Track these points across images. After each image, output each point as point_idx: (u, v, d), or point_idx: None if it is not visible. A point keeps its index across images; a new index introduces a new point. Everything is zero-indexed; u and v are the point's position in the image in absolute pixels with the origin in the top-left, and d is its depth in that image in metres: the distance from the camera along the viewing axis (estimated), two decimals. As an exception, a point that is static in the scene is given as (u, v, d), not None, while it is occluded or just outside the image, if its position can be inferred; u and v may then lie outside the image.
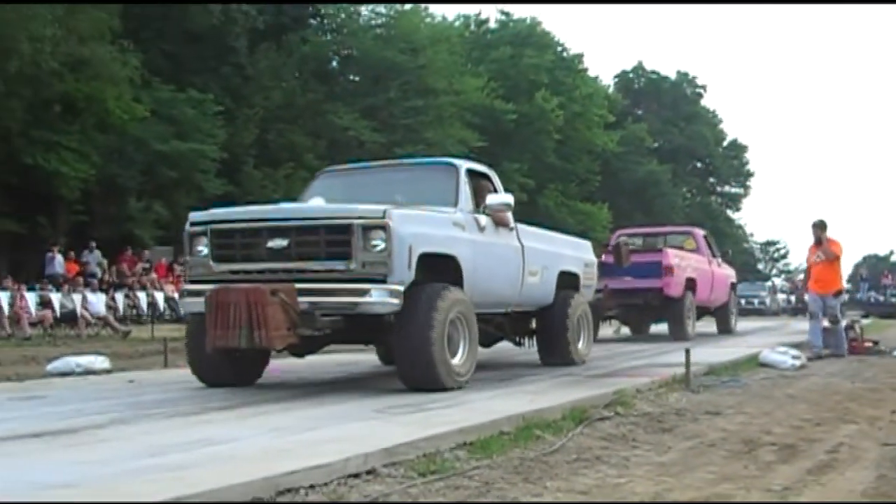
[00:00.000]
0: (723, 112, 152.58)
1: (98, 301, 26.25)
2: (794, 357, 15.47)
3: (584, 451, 7.32)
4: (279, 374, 12.98)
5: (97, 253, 31.39)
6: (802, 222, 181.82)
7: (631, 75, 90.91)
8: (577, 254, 15.82)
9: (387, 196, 11.68)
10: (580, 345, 14.97)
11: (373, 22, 49.88)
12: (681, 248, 25.07)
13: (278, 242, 10.60)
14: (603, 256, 20.72)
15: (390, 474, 6.24)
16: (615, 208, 65.74)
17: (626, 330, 26.64)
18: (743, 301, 67.67)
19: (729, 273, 27.72)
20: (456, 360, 11.02)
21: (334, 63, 50.08)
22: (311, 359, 13.32)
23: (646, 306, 22.97)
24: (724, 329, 26.58)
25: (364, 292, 10.22)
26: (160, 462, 6.40)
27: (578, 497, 5.88)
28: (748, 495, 5.96)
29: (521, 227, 13.74)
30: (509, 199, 12.88)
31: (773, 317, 49.54)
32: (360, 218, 10.34)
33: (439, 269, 11.12)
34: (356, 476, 6.12)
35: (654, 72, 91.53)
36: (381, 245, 10.27)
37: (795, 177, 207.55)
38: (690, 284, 23.32)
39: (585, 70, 69.39)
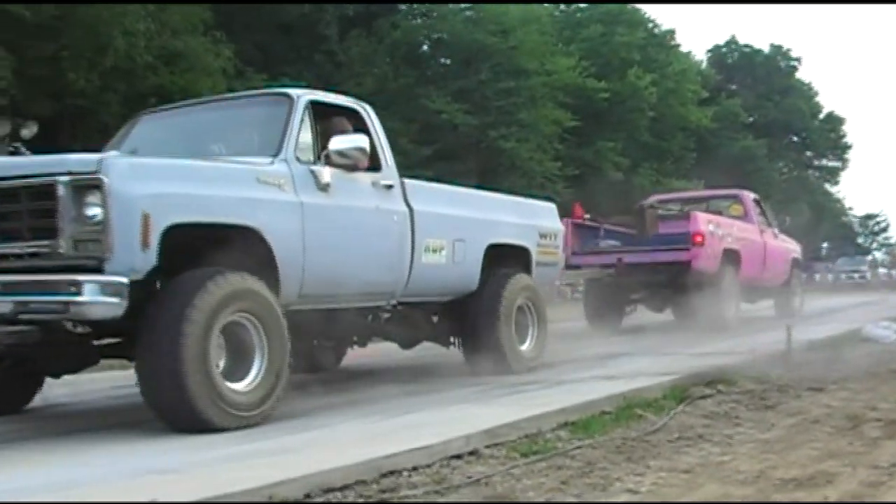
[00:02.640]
0: (818, 84, 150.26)
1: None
2: (898, 331, 15.01)
3: (686, 430, 7.26)
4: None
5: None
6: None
7: (724, 50, 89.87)
8: (525, 220, 12.11)
9: (204, 146, 9.18)
10: (525, 346, 11.59)
11: (462, 4, 49.80)
12: (719, 213, 20.33)
13: None
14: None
15: (492, 455, 6.24)
16: (711, 185, 65.14)
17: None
18: (843, 275, 66.76)
19: (790, 246, 23.26)
20: (241, 386, 7.68)
21: (425, 47, 50.09)
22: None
23: (671, 284, 18.36)
24: (785, 312, 21.88)
25: (75, 287, 6.83)
26: (257, 448, 6.45)
27: (682, 476, 5.84)
28: (854, 473, 5.87)
29: (414, 183, 10.34)
30: (362, 140, 9.10)
31: (874, 291, 48.75)
32: (68, 174, 6.97)
33: (233, 249, 7.86)
34: (458, 457, 6.14)
35: (747, 45, 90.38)
36: (98, 213, 6.92)
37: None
38: (732, 257, 18.72)
39: (677, 46, 68.69)
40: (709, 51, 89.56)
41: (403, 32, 46.40)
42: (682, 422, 7.61)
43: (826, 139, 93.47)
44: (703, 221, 18.04)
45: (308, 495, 5.21)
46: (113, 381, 10.96)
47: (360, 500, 5.25)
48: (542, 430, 6.97)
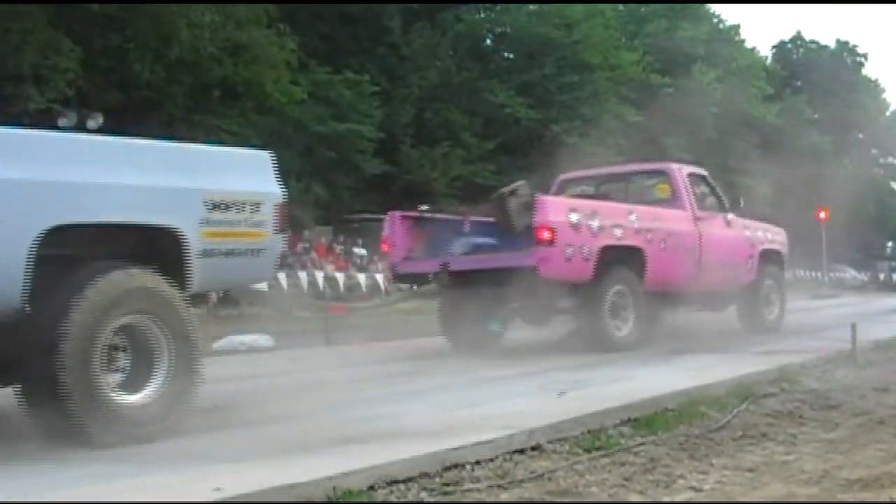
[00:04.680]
0: (885, 81, 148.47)
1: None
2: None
3: (749, 428, 7.22)
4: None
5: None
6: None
7: (789, 45, 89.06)
8: (173, 181, 7.62)
9: None
10: (136, 397, 7.06)
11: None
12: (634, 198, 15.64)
13: None
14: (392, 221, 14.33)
15: (555, 450, 6.25)
16: (776, 182, 64.57)
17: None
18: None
19: (758, 236, 17.26)
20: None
21: (489, 40, 50.07)
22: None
23: (513, 300, 13.91)
24: (752, 323, 16.81)
25: None
26: (325, 437, 6.49)
27: (746, 475, 5.81)
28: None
29: None
30: None
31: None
32: None
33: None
34: (521, 452, 6.14)
35: (812, 41, 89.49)
36: None
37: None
38: (625, 257, 13.91)
39: (743, 42, 68.29)
40: (774, 46, 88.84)
41: (467, 26, 46.41)
42: (746, 420, 7.56)
43: (893, 137, 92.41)
44: (556, 209, 13.33)
45: (372, 487, 5.24)
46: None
47: (424, 493, 5.27)
48: (605, 426, 6.96)
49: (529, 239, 12.98)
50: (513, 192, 14.09)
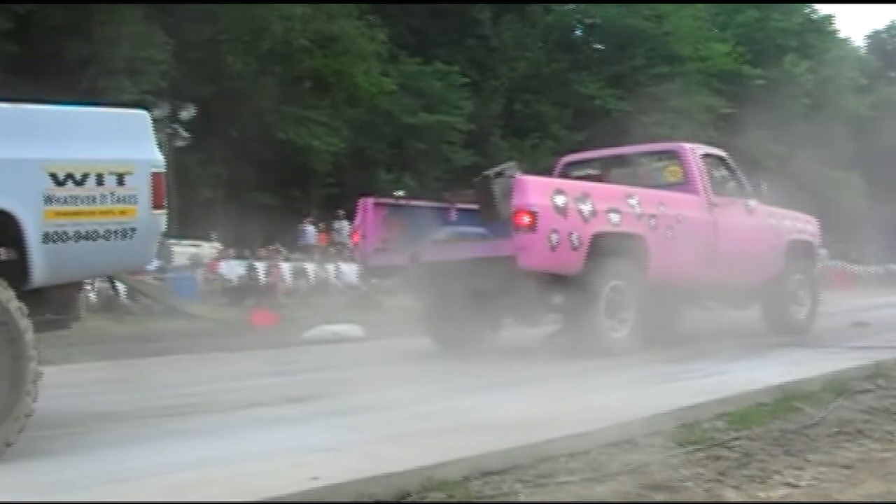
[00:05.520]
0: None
1: (350, 271, 26.83)
2: None
3: (845, 425, 7.12)
4: None
5: (347, 223, 32.19)
6: None
7: (884, 35, 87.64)
8: None
9: None
10: None
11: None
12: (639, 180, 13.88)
13: None
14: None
15: (650, 444, 6.20)
16: (869, 175, 63.69)
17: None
18: None
19: (784, 225, 15.32)
20: None
21: (578, 32, 49.91)
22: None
23: (497, 295, 12.09)
24: (778, 323, 14.92)
25: None
26: (419, 428, 6.54)
27: (842, 472, 5.75)
28: None
29: None
30: None
31: None
32: None
33: None
34: (615, 445, 6.12)
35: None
36: None
37: None
38: (622, 246, 12.21)
39: (836, 32, 67.33)
40: (868, 37, 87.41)
41: (556, 17, 46.32)
42: (841, 416, 7.46)
43: None
44: (539, 191, 11.69)
45: (467, 478, 5.26)
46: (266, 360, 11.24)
47: (518, 485, 5.28)
48: (700, 420, 6.91)
49: (504, 226, 11.60)
50: (499, 174, 12.35)
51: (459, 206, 13.56)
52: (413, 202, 13.94)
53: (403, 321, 14.47)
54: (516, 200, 11.36)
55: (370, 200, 13.23)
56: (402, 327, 14.25)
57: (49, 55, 25.40)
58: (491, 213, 12.11)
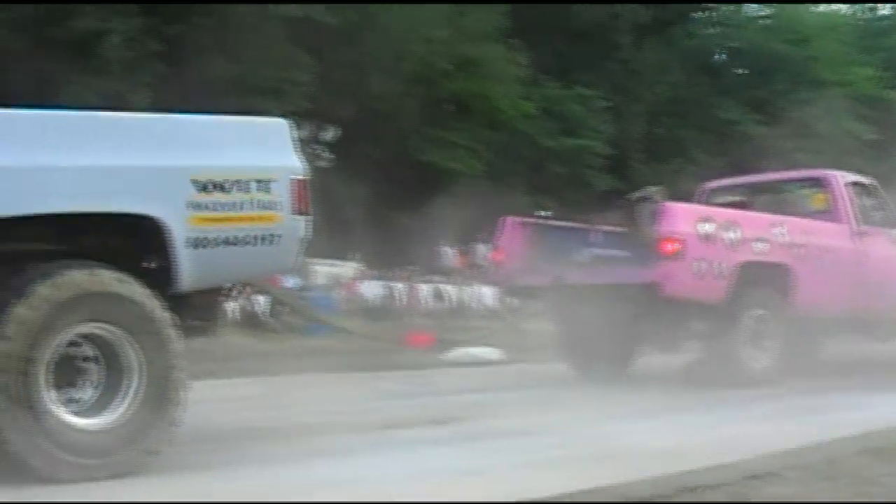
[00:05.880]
0: None
1: (487, 293, 26.88)
2: None
3: None
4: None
5: (484, 246, 32.29)
6: None
7: None
8: (135, 160, 6.61)
9: None
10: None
11: (758, 13, 48.99)
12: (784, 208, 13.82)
13: None
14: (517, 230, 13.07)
15: (794, 477, 6.14)
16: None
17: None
18: None
19: None
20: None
21: (720, 56, 49.46)
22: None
23: (632, 320, 12.18)
24: None
25: None
26: (562, 454, 6.56)
27: None
28: None
29: None
30: None
31: None
32: None
33: None
34: (758, 477, 6.07)
35: None
36: None
37: None
38: (768, 275, 12.21)
39: None
40: None
41: (698, 41, 45.99)
42: None
43: None
44: (685, 218, 11.75)
45: (606, 506, 5.28)
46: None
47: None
48: (845, 454, 6.81)
49: (647, 252, 11.57)
50: (644, 199, 12.39)
51: (601, 228, 13.29)
52: (556, 222, 13.85)
53: (542, 345, 14.48)
54: (662, 227, 11.38)
55: (514, 219, 13.27)
56: (541, 351, 14.29)
57: (196, 76, 25.96)
58: (636, 237, 11.97)
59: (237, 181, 6.84)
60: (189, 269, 6.61)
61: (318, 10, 27.63)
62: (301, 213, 7.20)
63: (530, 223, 13.43)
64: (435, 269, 29.55)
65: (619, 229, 12.70)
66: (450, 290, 26.97)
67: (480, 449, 6.89)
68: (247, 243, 6.94)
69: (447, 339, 19.30)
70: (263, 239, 7.00)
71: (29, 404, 5.77)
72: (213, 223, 6.72)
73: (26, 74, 21.52)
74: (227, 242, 6.81)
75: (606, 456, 6.47)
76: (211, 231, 6.71)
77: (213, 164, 6.80)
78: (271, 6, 27.35)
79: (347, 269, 27.54)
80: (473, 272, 29.37)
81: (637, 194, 12.60)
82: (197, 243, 6.62)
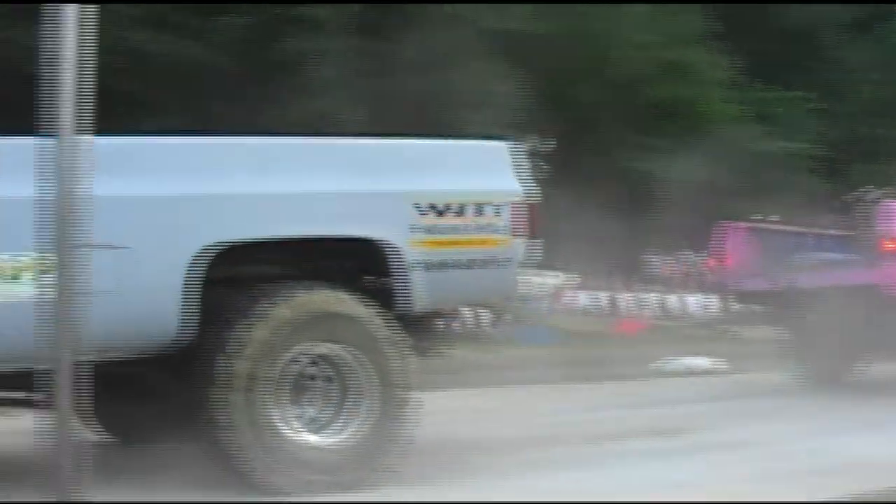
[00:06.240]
0: None
1: (696, 301, 26.72)
2: None
3: None
4: None
5: (693, 253, 32.02)
6: None
7: None
8: (366, 184, 6.88)
9: None
10: (319, 437, 6.58)
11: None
12: None
13: None
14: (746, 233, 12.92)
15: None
16: None
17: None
18: None
19: None
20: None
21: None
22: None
23: (858, 325, 11.69)
24: None
25: None
26: (787, 468, 6.55)
27: None
28: None
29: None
30: None
31: None
32: None
33: None
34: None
35: None
36: None
37: None
38: None
39: None
40: None
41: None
42: None
43: None
44: None
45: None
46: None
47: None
48: None
49: (868, 252, 11.32)
50: (864, 200, 12.36)
51: (825, 231, 13.17)
52: (778, 226, 13.87)
53: (759, 353, 14.22)
54: (883, 227, 11.11)
55: (735, 224, 13.26)
56: (759, 360, 14.04)
57: (404, 93, 26.40)
58: (861, 240, 11.80)
59: (457, 205, 6.95)
60: (417, 292, 6.75)
61: (519, 20, 27.84)
62: (521, 237, 7.25)
63: (752, 227, 13.40)
64: (644, 277, 29.47)
65: (843, 232, 12.56)
66: (658, 298, 26.86)
67: (702, 461, 6.93)
68: (468, 267, 7.03)
69: (655, 348, 19.22)
70: (484, 262, 7.10)
71: (260, 419, 6.02)
72: (433, 246, 6.83)
73: (235, 95, 22.26)
74: (448, 265, 6.91)
75: (831, 470, 6.43)
76: (433, 254, 6.83)
77: (434, 189, 6.92)
78: (472, 19, 27.64)
79: (557, 278, 27.66)
80: (685, 279, 29.19)
81: (854, 195, 12.62)
82: (420, 266, 6.74)
